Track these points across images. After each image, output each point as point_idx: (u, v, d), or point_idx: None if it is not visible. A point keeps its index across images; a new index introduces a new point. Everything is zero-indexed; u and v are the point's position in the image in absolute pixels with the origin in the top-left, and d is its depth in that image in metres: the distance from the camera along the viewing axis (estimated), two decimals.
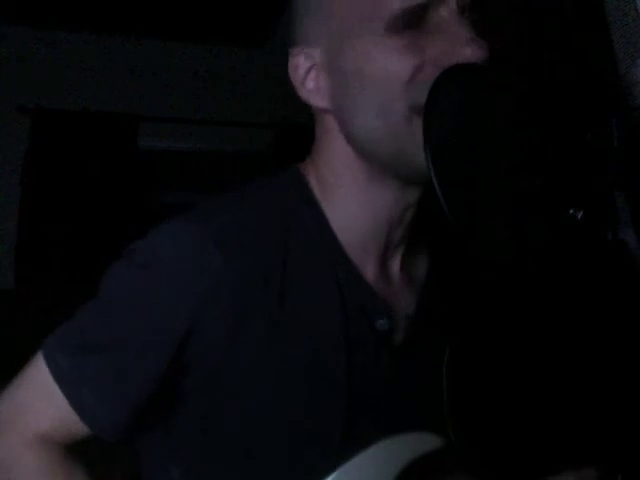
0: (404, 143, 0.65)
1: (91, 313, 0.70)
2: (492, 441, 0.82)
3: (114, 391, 0.67)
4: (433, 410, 0.74)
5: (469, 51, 0.63)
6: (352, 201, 0.72)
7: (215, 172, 3.22)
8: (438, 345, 0.77)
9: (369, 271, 0.73)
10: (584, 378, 0.84)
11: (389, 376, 0.73)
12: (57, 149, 2.88)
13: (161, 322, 0.66)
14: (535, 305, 0.85)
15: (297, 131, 3.08)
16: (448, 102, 0.60)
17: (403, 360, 0.74)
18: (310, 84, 0.72)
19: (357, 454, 0.66)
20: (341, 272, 0.71)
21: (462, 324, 0.81)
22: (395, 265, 0.76)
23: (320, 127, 0.75)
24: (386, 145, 0.67)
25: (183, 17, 2.88)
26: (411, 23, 0.64)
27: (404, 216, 0.73)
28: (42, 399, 0.68)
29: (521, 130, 0.63)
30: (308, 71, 0.72)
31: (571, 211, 0.60)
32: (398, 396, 0.73)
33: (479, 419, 0.79)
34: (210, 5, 2.75)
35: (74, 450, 0.69)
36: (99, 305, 0.69)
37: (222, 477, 0.71)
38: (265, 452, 0.69)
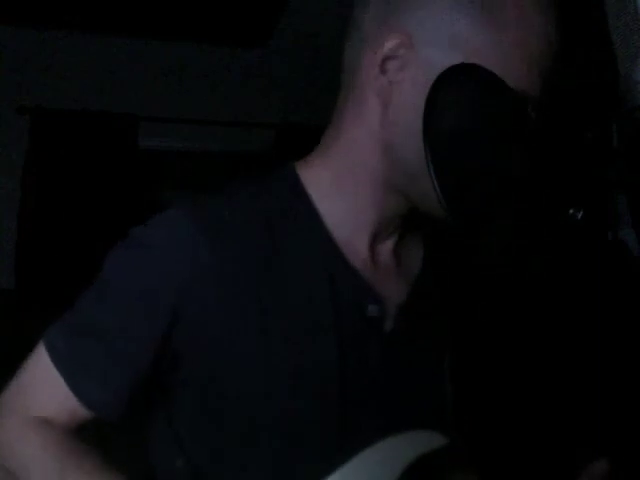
0: (425, 192, 0.67)
1: (87, 296, 0.72)
2: (495, 439, 0.82)
3: (109, 370, 0.69)
4: (424, 398, 0.76)
5: None
6: (357, 198, 0.74)
7: (215, 172, 3.22)
8: (429, 335, 0.78)
9: (359, 259, 0.74)
10: (585, 376, 0.84)
11: (379, 363, 0.74)
12: (57, 149, 2.88)
13: (151, 303, 0.68)
14: (535, 304, 0.85)
15: (297, 131, 3.08)
16: (448, 102, 0.60)
17: (392, 348, 0.75)
18: (391, 75, 0.69)
19: (361, 452, 0.66)
20: (332, 261, 0.72)
21: (463, 323, 0.81)
22: (386, 252, 0.78)
23: (355, 126, 0.73)
24: (413, 185, 0.70)
25: (183, 17, 2.88)
26: None
27: (397, 214, 0.76)
28: (42, 382, 0.70)
29: (521, 130, 0.63)
30: (398, 63, 0.69)
31: (571, 211, 0.60)
32: (388, 383, 0.74)
33: (482, 418, 0.79)
34: (210, 5, 2.75)
35: (83, 436, 0.70)
36: (95, 288, 0.72)
37: (223, 466, 0.71)
38: (262, 441, 0.69)
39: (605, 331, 0.78)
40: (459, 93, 0.63)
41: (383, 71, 0.69)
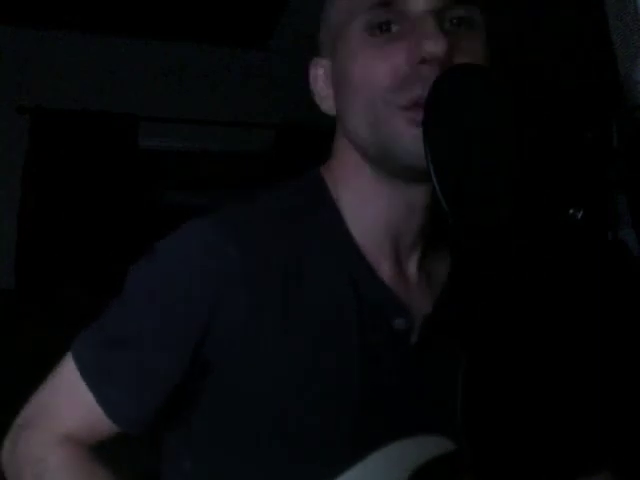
0: (385, 137, 0.68)
1: (115, 310, 0.71)
2: (503, 448, 0.82)
3: (138, 384, 0.68)
4: (445, 411, 0.74)
5: (430, 45, 0.64)
6: (359, 201, 0.74)
7: (215, 172, 3.22)
8: (452, 347, 0.77)
9: (385, 271, 0.74)
10: (585, 376, 0.84)
11: (403, 376, 0.73)
12: (57, 149, 2.88)
13: (181, 315, 0.68)
14: (535, 305, 0.85)
15: (297, 131, 3.08)
16: (448, 102, 0.60)
17: (417, 360, 0.74)
18: (323, 91, 0.76)
19: (368, 456, 0.66)
20: (357, 271, 0.72)
21: (479, 332, 0.81)
22: (411, 266, 0.77)
23: (336, 131, 0.79)
24: (371, 141, 0.70)
25: (183, 17, 2.88)
26: (386, 25, 0.67)
27: (412, 218, 0.74)
28: (69, 396, 0.70)
29: (521, 130, 0.63)
30: (323, 79, 0.77)
31: (571, 211, 0.60)
32: (410, 396, 0.73)
33: (491, 426, 0.79)
34: (210, 5, 2.75)
35: (100, 453, 0.70)
36: (122, 302, 0.71)
37: (232, 469, 0.71)
38: (276, 447, 0.69)
39: (605, 331, 0.78)
40: (459, 93, 0.63)
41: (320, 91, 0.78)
